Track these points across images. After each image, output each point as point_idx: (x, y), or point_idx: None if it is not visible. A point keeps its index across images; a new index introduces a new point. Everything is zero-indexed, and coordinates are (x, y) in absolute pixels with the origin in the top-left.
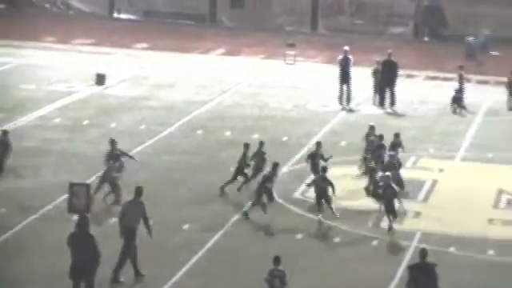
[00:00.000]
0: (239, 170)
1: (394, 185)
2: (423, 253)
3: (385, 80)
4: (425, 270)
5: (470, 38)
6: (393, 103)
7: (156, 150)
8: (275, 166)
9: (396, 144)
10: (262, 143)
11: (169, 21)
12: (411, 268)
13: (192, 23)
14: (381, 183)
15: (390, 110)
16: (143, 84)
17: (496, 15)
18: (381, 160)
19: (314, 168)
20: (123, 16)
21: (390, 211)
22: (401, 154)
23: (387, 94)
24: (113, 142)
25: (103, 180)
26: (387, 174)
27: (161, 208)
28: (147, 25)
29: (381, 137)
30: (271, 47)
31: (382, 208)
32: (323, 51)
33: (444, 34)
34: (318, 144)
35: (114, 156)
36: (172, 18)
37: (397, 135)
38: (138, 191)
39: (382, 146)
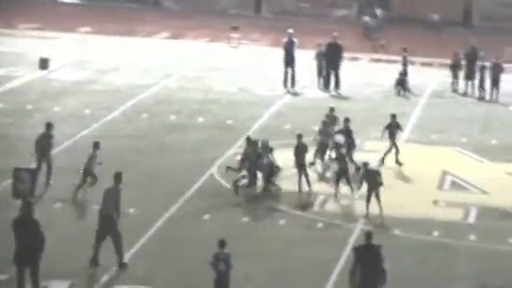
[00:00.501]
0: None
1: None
2: (368, 235)
3: (329, 63)
4: (370, 251)
5: (366, 18)
6: (337, 86)
7: (100, 134)
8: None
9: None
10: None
11: (113, 4)
12: (356, 250)
13: (136, 6)
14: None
15: (334, 93)
16: (87, 68)
17: None
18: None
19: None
20: (67, 0)
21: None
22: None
23: (332, 77)
24: (49, 126)
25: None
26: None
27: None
28: (91, 8)
29: (347, 120)
30: (215, 30)
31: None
32: (267, 34)
33: (388, 17)
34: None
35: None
36: (116, 2)
37: (346, 120)
38: (117, 177)
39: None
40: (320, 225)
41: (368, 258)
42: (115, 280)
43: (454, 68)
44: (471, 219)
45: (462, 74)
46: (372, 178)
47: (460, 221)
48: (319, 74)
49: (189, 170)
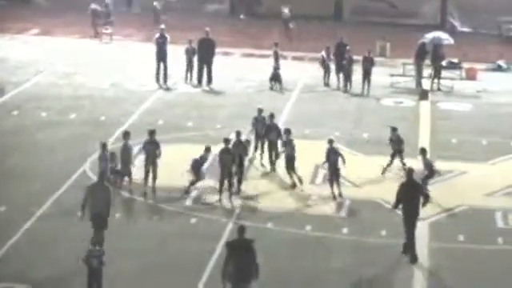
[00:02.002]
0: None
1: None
2: (241, 229)
3: (202, 58)
4: (243, 245)
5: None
6: (210, 81)
7: None
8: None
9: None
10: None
11: None
12: (229, 244)
13: (6, 3)
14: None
15: (207, 88)
16: None
17: None
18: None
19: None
20: None
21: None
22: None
23: (204, 72)
24: None
25: None
26: None
27: None
28: None
29: (272, 116)
30: (87, 26)
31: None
32: (140, 30)
33: (259, 12)
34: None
35: None
36: None
37: (272, 116)
38: (101, 176)
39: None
40: (193, 220)
41: (241, 253)
42: None
43: (324, 62)
44: (344, 213)
45: (333, 68)
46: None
47: (333, 214)
48: (188, 69)
49: (61, 166)
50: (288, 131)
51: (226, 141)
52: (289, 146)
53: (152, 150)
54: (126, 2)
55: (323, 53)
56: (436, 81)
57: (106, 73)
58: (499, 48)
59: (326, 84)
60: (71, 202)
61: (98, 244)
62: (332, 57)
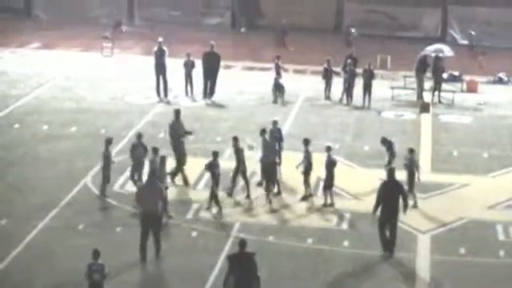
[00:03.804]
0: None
1: None
2: (242, 243)
3: (207, 71)
4: (244, 259)
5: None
6: (211, 94)
7: None
8: None
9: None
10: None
11: None
12: (230, 258)
13: (8, 17)
14: None
15: (209, 101)
16: None
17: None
18: None
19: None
20: None
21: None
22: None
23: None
24: None
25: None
26: None
27: None
28: None
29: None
30: (88, 40)
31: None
32: (140, 43)
33: (260, 25)
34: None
35: None
36: None
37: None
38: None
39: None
40: (194, 233)
41: (242, 266)
42: None
43: (327, 75)
44: (344, 225)
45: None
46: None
47: (334, 227)
48: (187, 82)
49: (62, 180)
50: (306, 142)
51: (215, 154)
52: (306, 158)
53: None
54: (128, 16)
55: (325, 65)
56: (437, 93)
57: (106, 86)
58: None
59: (328, 97)
60: (72, 216)
61: (157, 243)
62: (341, 70)
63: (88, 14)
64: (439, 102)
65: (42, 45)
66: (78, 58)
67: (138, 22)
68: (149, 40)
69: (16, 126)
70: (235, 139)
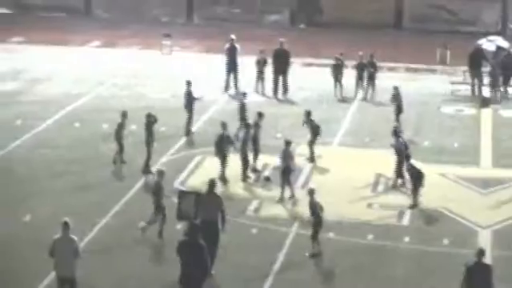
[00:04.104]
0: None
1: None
2: (481, 252)
3: (277, 69)
4: (481, 269)
5: None
6: (285, 91)
7: (33, 145)
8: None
9: None
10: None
11: (44, 14)
12: (469, 268)
13: (67, 16)
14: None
15: (282, 98)
16: (19, 78)
17: None
18: None
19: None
20: None
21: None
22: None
23: (279, 83)
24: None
25: None
26: None
27: (40, 201)
28: (22, 18)
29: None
30: (147, 38)
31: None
32: (199, 41)
33: (320, 21)
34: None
35: None
36: (47, 11)
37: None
38: (211, 184)
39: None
40: (254, 230)
41: (480, 276)
42: None
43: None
44: (405, 221)
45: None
46: None
47: (394, 223)
48: (259, 80)
49: (123, 177)
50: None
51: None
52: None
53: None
54: (187, 14)
55: (336, 60)
56: (497, 88)
57: (166, 84)
58: None
59: (340, 96)
60: (134, 213)
61: (211, 260)
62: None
63: (148, 13)
64: (501, 96)
65: (101, 43)
66: (138, 56)
67: (196, 21)
68: (208, 38)
69: (76, 124)
70: (287, 143)
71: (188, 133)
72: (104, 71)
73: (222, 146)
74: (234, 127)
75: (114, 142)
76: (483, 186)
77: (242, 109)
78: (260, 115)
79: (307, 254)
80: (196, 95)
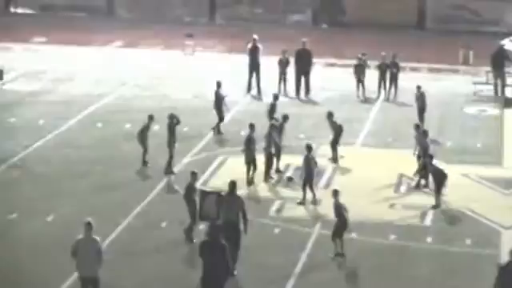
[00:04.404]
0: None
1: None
2: (232, 184)
3: (300, 69)
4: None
5: None
6: (308, 92)
7: (56, 144)
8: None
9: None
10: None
11: (67, 14)
12: (502, 267)
13: (89, 16)
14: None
15: (304, 98)
16: (42, 78)
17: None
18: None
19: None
20: (20, 10)
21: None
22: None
23: (302, 83)
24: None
25: None
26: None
27: (62, 201)
28: (44, 19)
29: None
30: (169, 38)
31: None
32: (222, 41)
33: (342, 21)
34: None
35: None
36: (69, 11)
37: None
38: (232, 186)
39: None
40: (277, 230)
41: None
42: None
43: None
44: (428, 221)
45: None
46: None
47: (417, 223)
48: (281, 80)
49: (146, 177)
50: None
51: (309, 148)
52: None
53: None
54: (209, 14)
55: (358, 61)
56: None
57: (188, 84)
58: None
59: (362, 97)
60: (156, 213)
61: (233, 261)
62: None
63: (170, 13)
64: None
65: (124, 43)
66: (160, 56)
67: (219, 21)
68: (230, 38)
69: (99, 124)
70: (309, 148)
71: (218, 132)
72: (126, 71)
73: (250, 147)
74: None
75: (138, 143)
76: (506, 186)
77: (272, 109)
78: (285, 118)
79: (331, 255)
80: (224, 94)
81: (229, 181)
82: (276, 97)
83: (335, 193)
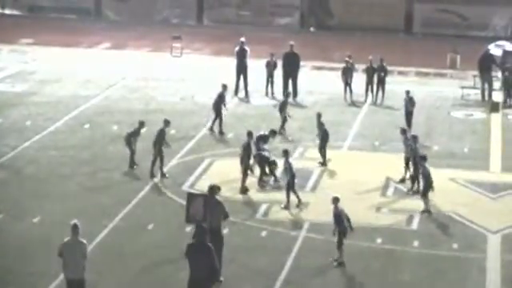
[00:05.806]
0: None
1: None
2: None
3: (287, 72)
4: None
5: None
6: (295, 95)
7: (43, 146)
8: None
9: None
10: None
11: (54, 16)
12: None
13: (77, 18)
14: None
15: (292, 101)
16: (29, 80)
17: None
18: None
19: None
20: (7, 12)
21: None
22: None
23: (290, 86)
24: None
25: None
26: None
27: (48, 203)
28: (32, 20)
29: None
30: (157, 40)
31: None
32: (209, 43)
33: (330, 24)
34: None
35: None
36: (57, 13)
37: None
38: (211, 190)
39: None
40: (263, 233)
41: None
42: None
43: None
44: (414, 225)
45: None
46: None
47: (403, 227)
48: (268, 83)
49: (132, 179)
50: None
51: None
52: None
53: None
54: (196, 16)
55: (346, 63)
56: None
57: (176, 86)
58: None
59: (350, 100)
60: (142, 216)
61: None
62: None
63: (157, 15)
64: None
65: (111, 45)
66: (147, 58)
67: (206, 23)
68: (218, 41)
69: (86, 126)
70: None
71: (221, 133)
72: (114, 73)
73: (248, 154)
74: (243, 130)
75: (125, 146)
76: (493, 190)
77: (283, 106)
78: (273, 133)
79: (331, 260)
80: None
81: (208, 185)
82: (287, 94)
83: (335, 200)
